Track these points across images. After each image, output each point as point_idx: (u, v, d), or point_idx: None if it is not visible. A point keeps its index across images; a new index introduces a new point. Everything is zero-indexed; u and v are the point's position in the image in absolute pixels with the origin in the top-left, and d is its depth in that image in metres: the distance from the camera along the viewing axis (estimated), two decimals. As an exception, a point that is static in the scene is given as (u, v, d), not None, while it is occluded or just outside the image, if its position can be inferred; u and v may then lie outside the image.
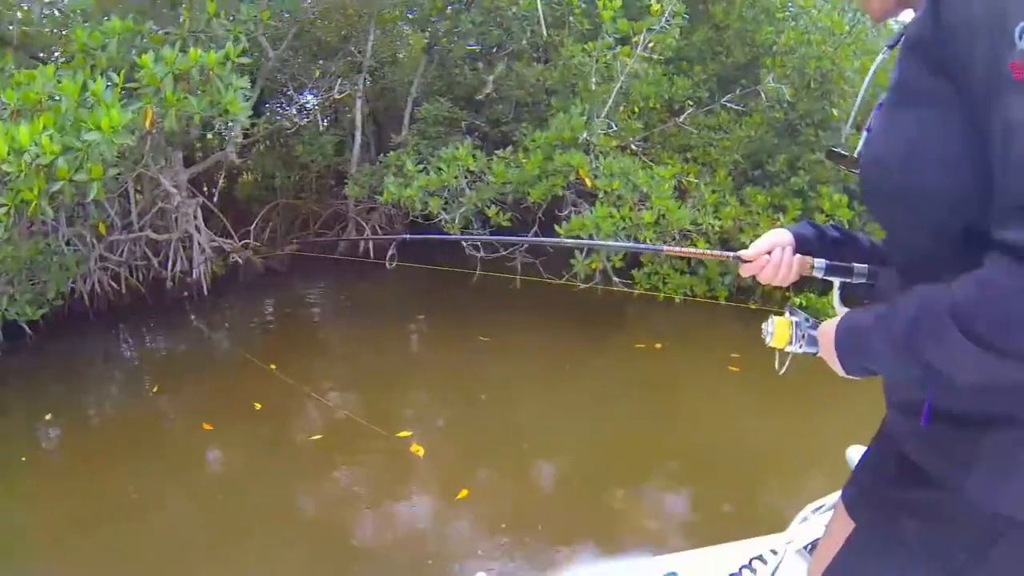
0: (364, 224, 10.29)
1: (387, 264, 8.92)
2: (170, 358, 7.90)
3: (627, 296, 7.29)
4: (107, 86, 5.00)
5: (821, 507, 2.71)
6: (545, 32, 8.15)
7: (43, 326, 7.79)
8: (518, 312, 7.68)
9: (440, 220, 7.52)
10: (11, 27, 6.40)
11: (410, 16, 10.24)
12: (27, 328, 7.54)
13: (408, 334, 7.89)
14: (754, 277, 1.62)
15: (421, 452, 4.90)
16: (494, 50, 9.83)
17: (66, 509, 4.63)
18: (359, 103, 9.92)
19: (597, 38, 7.14)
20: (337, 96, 9.23)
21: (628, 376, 6.09)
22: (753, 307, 7.11)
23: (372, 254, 10.17)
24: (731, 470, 4.74)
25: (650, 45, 7.13)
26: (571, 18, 8.06)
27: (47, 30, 6.78)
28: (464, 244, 7.81)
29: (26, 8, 6.64)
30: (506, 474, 4.85)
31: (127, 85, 5.23)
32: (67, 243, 8.14)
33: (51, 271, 7.50)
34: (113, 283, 8.89)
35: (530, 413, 5.50)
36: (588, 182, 6.76)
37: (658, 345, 6.52)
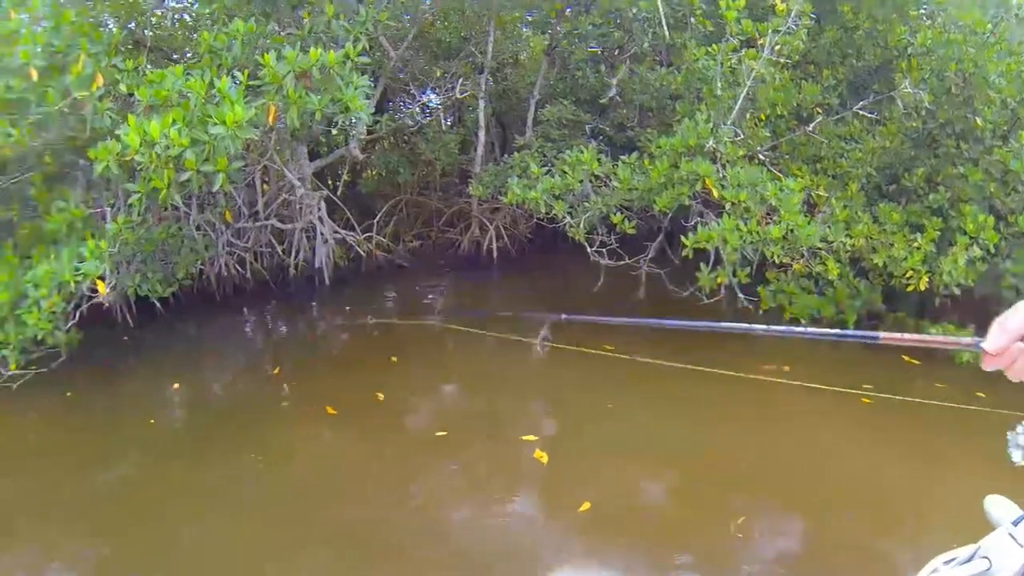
0: (488, 223, 10.31)
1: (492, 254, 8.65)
2: (291, 342, 8.32)
3: (751, 314, 6.92)
4: (232, 84, 5.19)
5: (953, 560, 2.28)
6: (667, 34, 7.80)
7: (173, 303, 8.39)
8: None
9: (564, 224, 7.34)
10: (146, 32, 6.84)
11: (529, 18, 10.01)
12: (158, 304, 8.14)
13: (524, 338, 7.60)
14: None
15: (544, 459, 4.84)
16: (616, 52, 9.58)
17: (187, 471, 5.03)
18: (482, 103, 9.95)
19: (721, 40, 6.79)
20: (459, 96, 9.13)
21: (754, 397, 5.76)
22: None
23: (496, 255, 10.14)
24: (852, 508, 4.40)
25: (776, 47, 6.67)
26: (693, 20, 7.74)
27: (179, 33, 6.99)
28: (589, 249, 7.54)
29: (159, 14, 7.12)
30: (629, 491, 4.70)
31: (251, 83, 5.41)
32: (197, 228, 8.69)
33: (181, 253, 8.02)
34: (239, 267, 9.45)
35: (654, 428, 5.30)
36: (715, 192, 6.45)
37: (786, 368, 6.08)
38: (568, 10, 9.22)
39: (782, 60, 6.83)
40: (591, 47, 9.83)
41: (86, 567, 4.18)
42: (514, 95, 10.83)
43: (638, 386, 5.97)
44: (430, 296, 9.74)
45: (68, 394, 6.36)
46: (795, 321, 6.93)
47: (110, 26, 6.55)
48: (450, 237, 11.08)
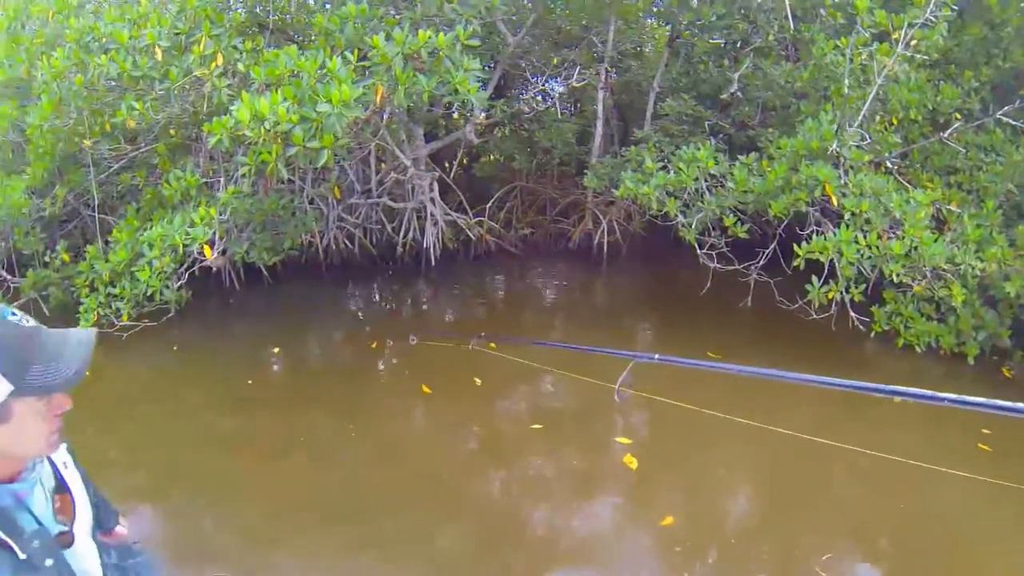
0: (601, 217, 10.14)
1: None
2: (392, 318, 8.54)
3: (861, 334, 6.52)
4: (342, 64, 5.40)
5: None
6: (792, 26, 7.31)
7: (280, 272, 9.00)
8: (749, 331, 7.27)
9: (677, 223, 7.20)
10: (270, 15, 7.13)
11: (656, 9, 9.69)
12: (265, 272, 8.72)
13: (634, 334, 7.74)
14: None
15: (634, 465, 4.78)
16: (739, 45, 9.16)
17: (277, 432, 5.40)
18: (601, 94, 9.77)
19: (851, 33, 6.31)
20: (575, 84, 8.96)
21: (855, 428, 5.25)
22: (1008, 374, 5.87)
23: (607, 249, 9.98)
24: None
25: (912, 43, 6.15)
26: (823, 11, 7.33)
27: (301, 16, 7.35)
28: (699, 251, 7.34)
29: None
30: (717, 509, 4.56)
31: (362, 64, 5.62)
32: (311, 202, 9.18)
33: (290, 225, 8.41)
34: (348, 242, 9.88)
35: (751, 446, 5.06)
36: (835, 200, 6.10)
37: (896, 399, 5.47)
38: None
39: (918, 58, 6.29)
40: (714, 39, 9.44)
41: (168, 511, 4.54)
42: (636, 87, 10.61)
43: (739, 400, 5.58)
44: (536, 284, 9.80)
45: (175, 348, 7.07)
46: (909, 348, 6.43)
47: (238, 9, 6.84)
48: (562, 228, 11.01)
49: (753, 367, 2.82)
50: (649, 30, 11.34)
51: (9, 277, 8.13)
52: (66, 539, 1.45)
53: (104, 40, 6.15)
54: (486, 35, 8.49)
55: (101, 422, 5.56)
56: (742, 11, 8.67)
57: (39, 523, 1.38)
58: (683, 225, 7.13)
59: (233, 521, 4.30)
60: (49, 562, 1.35)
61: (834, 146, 6.24)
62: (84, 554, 1.51)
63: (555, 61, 10.29)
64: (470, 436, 5.44)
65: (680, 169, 7.06)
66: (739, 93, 8.79)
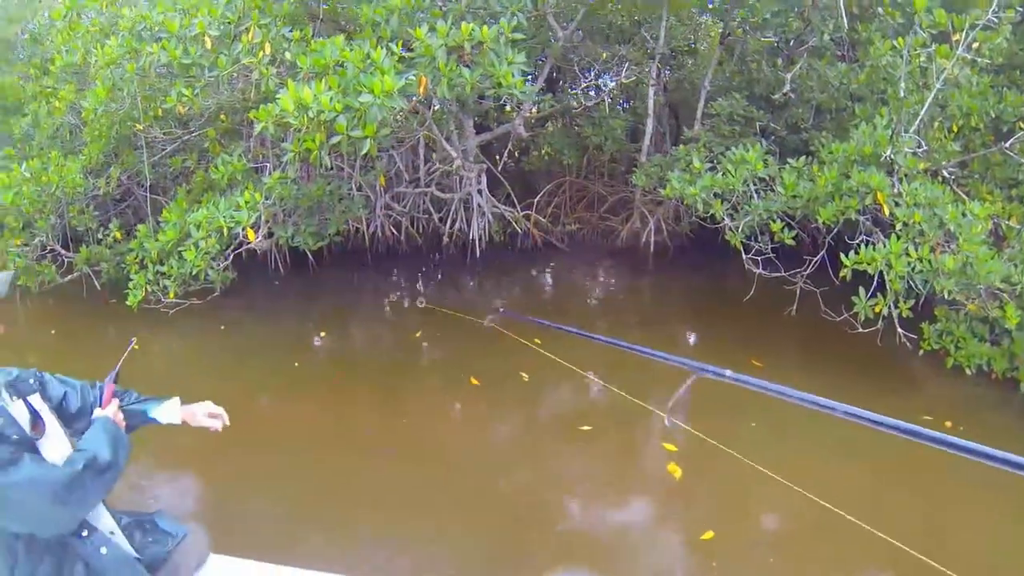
0: (649, 215, 10.12)
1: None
2: (438, 308, 8.42)
3: (908, 352, 6.32)
4: (386, 56, 5.52)
5: None
6: (848, 25, 7.10)
7: (326, 258, 9.28)
8: (792, 342, 7.16)
9: (724, 225, 7.13)
10: (320, 4, 7.36)
11: (711, 6, 9.47)
12: (310, 256, 9.00)
13: (675, 337, 7.66)
14: None
15: (678, 474, 4.67)
16: (793, 44, 8.93)
17: (319, 416, 5.55)
18: (652, 91, 9.73)
19: (909, 34, 6.14)
20: (625, 81, 8.86)
21: (902, 451, 4.99)
22: None
23: (653, 249, 9.96)
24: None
25: (974, 46, 5.96)
26: (880, 9, 7.07)
27: (350, 6, 7.52)
28: (744, 256, 7.16)
29: None
30: (760, 525, 4.45)
31: (405, 56, 5.73)
32: (358, 189, 9.38)
33: (335, 211, 8.63)
34: (394, 230, 10.12)
35: (798, 459, 4.83)
36: (886, 209, 5.93)
37: (947, 423, 5.34)
38: None
39: (980, 61, 6.08)
40: (767, 37, 9.21)
41: (201, 487, 4.75)
42: (688, 85, 10.48)
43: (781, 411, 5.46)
44: (582, 281, 9.77)
45: (222, 327, 7.41)
46: (959, 370, 6.13)
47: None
48: (610, 225, 11.03)
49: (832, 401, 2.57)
50: (703, 27, 11.27)
51: (64, 252, 8.60)
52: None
53: (156, 29, 6.44)
54: (536, 29, 8.45)
55: (144, 391, 5.78)
56: (796, 9, 8.58)
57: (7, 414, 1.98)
58: (730, 228, 7.05)
59: (264, 502, 4.41)
60: (15, 436, 1.93)
61: (888, 152, 6.09)
62: (53, 452, 2.05)
63: (605, 56, 10.16)
64: (512, 432, 5.50)
65: (728, 171, 7.01)
66: (792, 94, 8.68)
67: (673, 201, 8.92)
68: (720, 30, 9.81)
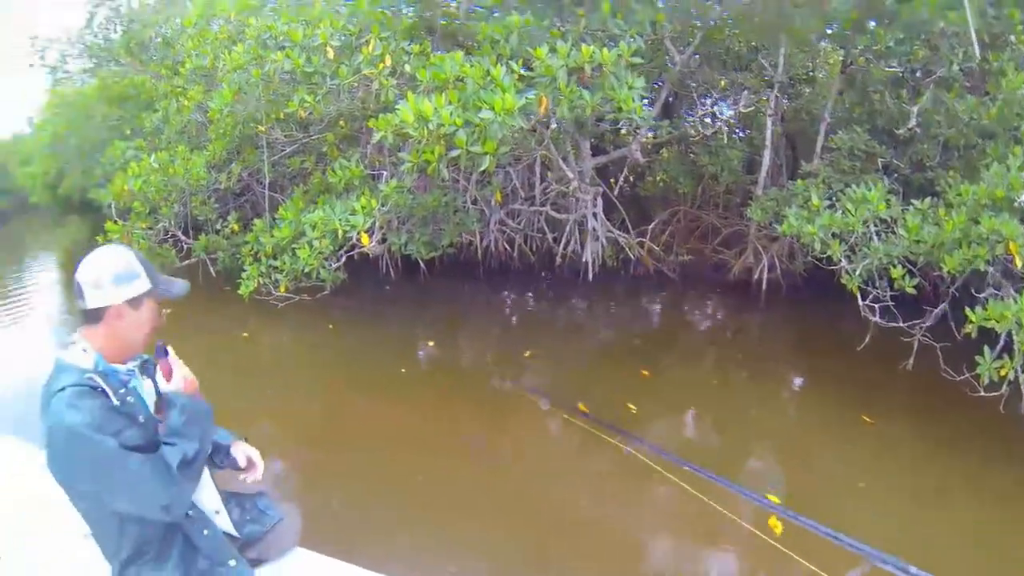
0: (763, 251, 9.85)
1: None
2: (546, 327, 8.72)
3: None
4: (506, 73, 5.70)
5: None
6: (979, 54, 6.68)
7: (437, 267, 9.60)
8: (905, 399, 6.59)
9: (840, 268, 6.86)
10: (439, 20, 7.73)
11: (829, 32, 9.05)
12: (422, 265, 9.30)
13: (780, 384, 7.22)
14: None
15: (779, 529, 4.31)
16: (919, 75, 8.51)
17: (416, 423, 5.67)
18: (770, 121, 9.50)
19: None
20: (743, 110, 8.61)
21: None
22: None
23: (765, 286, 9.63)
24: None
25: None
26: (1013, 37, 6.79)
27: (469, 24, 7.86)
28: (860, 302, 6.80)
29: (453, 6, 8.01)
30: None
31: (525, 74, 5.89)
32: (473, 203, 9.64)
33: (450, 223, 8.93)
34: (508, 246, 10.36)
35: (915, 528, 4.46)
36: (1018, 261, 5.58)
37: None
38: (870, 22, 8.23)
39: None
40: (891, 66, 8.73)
41: (290, 475, 4.91)
42: (806, 115, 10.13)
43: (894, 473, 5.10)
44: (690, 314, 9.66)
45: (330, 326, 7.80)
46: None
47: (407, 13, 7.62)
48: (723, 258, 10.82)
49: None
50: (822, 54, 10.89)
51: (184, 238, 9.18)
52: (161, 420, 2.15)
53: (280, 38, 6.99)
54: (653, 53, 8.34)
55: (251, 379, 6.46)
56: (923, 36, 8.05)
57: (136, 394, 2.11)
58: (846, 271, 6.79)
59: (349, 499, 4.52)
60: (142, 417, 2.05)
61: (1023, 197, 5.67)
62: None
63: (723, 84, 9.90)
64: (608, 473, 5.14)
65: (848, 210, 6.77)
66: (917, 129, 8.21)
67: (788, 238, 8.55)
68: (841, 58, 9.45)
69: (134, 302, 2.05)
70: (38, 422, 1.93)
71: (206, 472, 2.30)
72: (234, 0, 7.81)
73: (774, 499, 4.50)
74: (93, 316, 2.03)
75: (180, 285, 2.22)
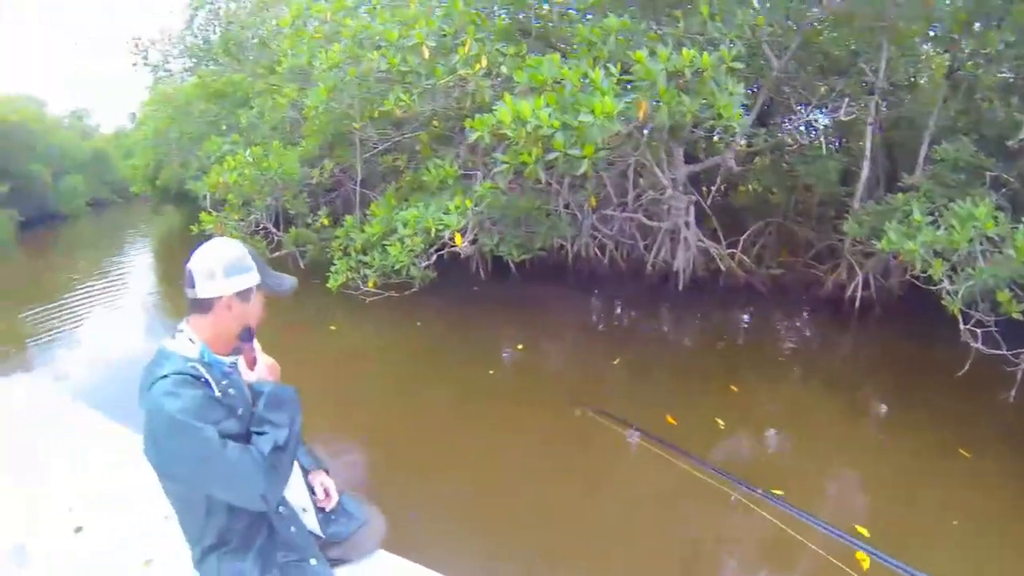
0: (857, 268, 9.38)
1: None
2: (634, 336, 8.60)
3: None
4: (605, 76, 5.65)
5: None
6: None
7: (528, 269, 9.66)
8: (1006, 433, 6.03)
9: (941, 288, 6.47)
10: (533, 21, 7.83)
11: (932, 33, 8.67)
12: (512, 267, 9.45)
13: (866, 404, 6.84)
14: None
15: (866, 564, 4.04)
16: (1031, 82, 7.91)
17: (509, 429, 5.62)
18: (870, 130, 9.01)
19: None
20: (844, 118, 8.25)
21: None
22: None
23: (858, 304, 9.15)
24: None
25: None
26: None
27: (562, 26, 8.07)
28: (962, 326, 6.44)
29: (546, 8, 7.99)
30: None
31: (624, 78, 5.85)
32: (565, 207, 9.68)
33: (542, 226, 9.01)
34: (599, 252, 10.33)
35: None
36: None
37: None
38: (977, 24, 7.83)
39: None
40: (1002, 72, 8.16)
41: (365, 468, 5.02)
42: (908, 124, 9.64)
43: (994, 515, 4.71)
44: (780, 330, 9.24)
45: (418, 323, 7.94)
46: None
47: (500, 15, 7.71)
48: (815, 273, 10.38)
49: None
50: (925, 58, 10.29)
51: (275, 231, 9.45)
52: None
53: (376, 38, 7.08)
54: (748, 57, 8.12)
55: (339, 371, 6.63)
56: None
57: (238, 387, 2.13)
58: (948, 292, 6.41)
59: (432, 501, 4.49)
60: (240, 410, 2.07)
61: None
62: None
63: (822, 90, 9.50)
64: (688, 496, 4.85)
65: (952, 226, 6.36)
66: (1031, 140, 7.61)
67: (884, 254, 8.12)
68: (946, 63, 8.95)
69: (244, 294, 2.09)
70: (135, 403, 1.98)
71: (297, 470, 2.34)
72: (330, 2, 7.97)
73: (863, 531, 4.27)
74: (202, 306, 2.06)
75: (290, 281, 2.25)
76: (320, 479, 2.56)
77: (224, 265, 2.04)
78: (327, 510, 2.52)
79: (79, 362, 7.88)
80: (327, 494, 2.54)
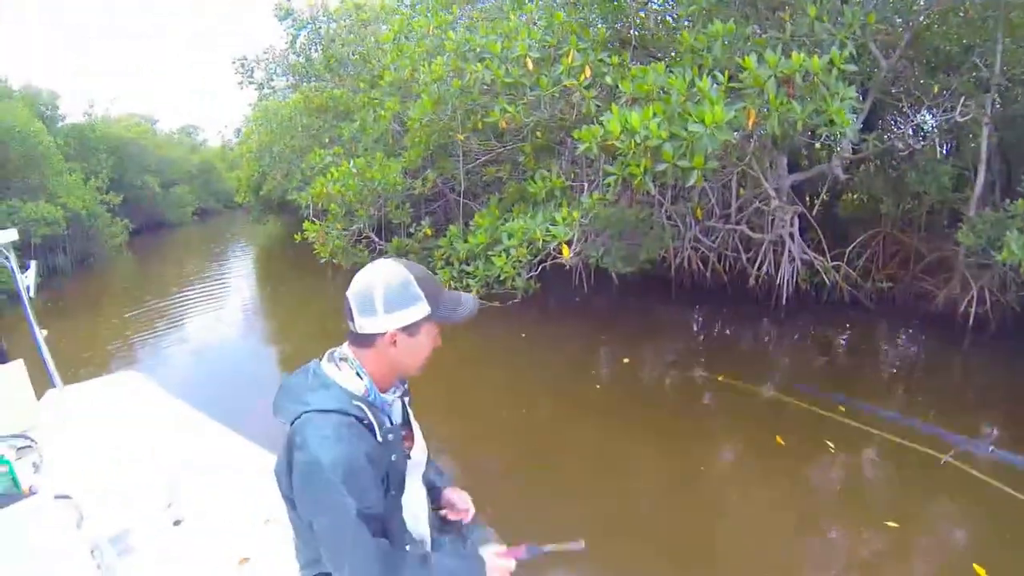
0: (972, 281, 8.81)
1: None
2: (738, 350, 8.42)
3: None
4: (712, 84, 5.55)
5: None
6: None
7: (629, 281, 9.55)
8: None
9: None
10: (632, 31, 7.69)
11: None
12: (615, 279, 9.41)
13: (975, 428, 6.27)
14: None
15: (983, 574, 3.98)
16: None
17: (618, 444, 5.57)
18: (986, 130, 8.34)
19: None
20: (959, 119, 7.73)
21: None
22: None
23: (972, 321, 8.54)
24: None
25: None
26: None
27: (662, 33, 7.98)
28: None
29: (643, 15, 7.89)
30: None
31: (731, 85, 5.69)
32: (668, 219, 9.60)
33: (648, 238, 8.95)
34: (701, 264, 10.20)
35: None
36: None
37: None
38: None
39: None
40: None
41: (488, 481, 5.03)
42: (1024, 122, 8.84)
43: None
44: (885, 346, 8.82)
45: (523, 334, 8.03)
46: None
47: (599, 25, 7.55)
48: (925, 287, 9.82)
49: None
50: None
51: (377, 239, 9.63)
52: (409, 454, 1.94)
53: (479, 50, 7.17)
54: (857, 58, 7.77)
55: (447, 382, 6.57)
56: None
57: (396, 432, 1.90)
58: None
59: (539, 514, 4.50)
60: (394, 457, 1.83)
61: None
62: (412, 488, 1.94)
63: (935, 89, 8.89)
64: (800, 510, 4.82)
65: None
66: None
67: (1002, 267, 7.58)
68: None
69: (410, 328, 1.80)
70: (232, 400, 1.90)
71: (423, 498, 2.09)
72: (432, 16, 8.14)
73: (980, 571, 4.01)
74: (363, 340, 1.82)
75: (467, 308, 1.90)
76: (458, 494, 2.29)
77: (384, 298, 1.76)
78: (465, 522, 2.25)
79: (181, 361, 8.33)
80: (462, 507, 2.26)
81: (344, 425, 1.71)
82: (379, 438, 1.77)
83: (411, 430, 1.98)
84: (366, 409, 1.77)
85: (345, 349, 1.87)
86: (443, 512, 2.25)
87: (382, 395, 1.87)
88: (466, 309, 1.89)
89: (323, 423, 1.71)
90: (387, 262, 1.85)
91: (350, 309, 1.80)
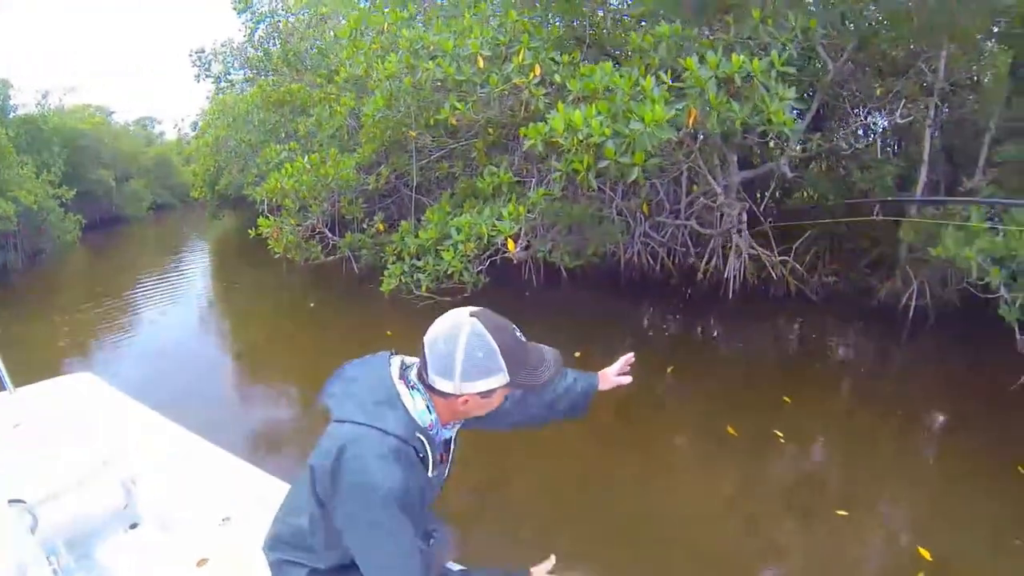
0: (912, 276, 9.06)
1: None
2: (686, 344, 8.57)
3: None
4: (656, 84, 5.72)
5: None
6: None
7: (578, 276, 9.66)
8: None
9: (999, 297, 6.34)
10: (587, 30, 7.84)
11: (995, 28, 8.30)
12: (564, 273, 9.53)
13: (915, 419, 6.47)
14: None
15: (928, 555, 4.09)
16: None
17: (570, 437, 5.49)
18: (928, 132, 8.73)
19: None
20: (899, 120, 8.02)
21: None
22: None
23: (912, 314, 8.85)
24: None
25: None
26: None
27: (617, 32, 8.17)
28: (1019, 336, 6.33)
29: (600, 14, 8.06)
30: None
31: (675, 84, 5.91)
32: (619, 214, 9.80)
33: (595, 233, 9.10)
34: (651, 259, 10.35)
35: None
36: None
37: None
38: None
39: None
40: None
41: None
42: (970, 126, 9.16)
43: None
44: (831, 341, 9.05)
45: None
46: None
47: (555, 23, 7.79)
48: (869, 282, 10.02)
49: None
50: (986, 55, 9.55)
51: (330, 235, 9.77)
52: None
53: (432, 48, 7.24)
54: (804, 60, 7.99)
55: None
56: None
57: (441, 470, 1.91)
58: (1005, 301, 6.27)
59: (495, 513, 4.57)
60: (435, 490, 1.89)
61: None
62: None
63: (879, 92, 9.22)
64: (761, 501, 4.88)
65: (1012, 233, 6.21)
66: (1099, 140, 7.37)
67: (941, 261, 7.83)
68: (1009, 60, 8.48)
69: (485, 393, 1.73)
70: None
71: None
72: (388, 13, 8.15)
73: (924, 554, 4.15)
74: (435, 390, 1.74)
75: (549, 370, 1.83)
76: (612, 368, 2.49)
77: (463, 368, 1.68)
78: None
79: (135, 360, 8.20)
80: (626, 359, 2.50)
81: (404, 455, 1.69)
82: (431, 473, 1.77)
83: (448, 452, 1.95)
84: (426, 443, 1.75)
85: (416, 378, 1.80)
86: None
87: (444, 428, 1.85)
88: (548, 372, 1.81)
89: (382, 445, 1.67)
90: (473, 324, 1.73)
91: (426, 363, 1.72)
